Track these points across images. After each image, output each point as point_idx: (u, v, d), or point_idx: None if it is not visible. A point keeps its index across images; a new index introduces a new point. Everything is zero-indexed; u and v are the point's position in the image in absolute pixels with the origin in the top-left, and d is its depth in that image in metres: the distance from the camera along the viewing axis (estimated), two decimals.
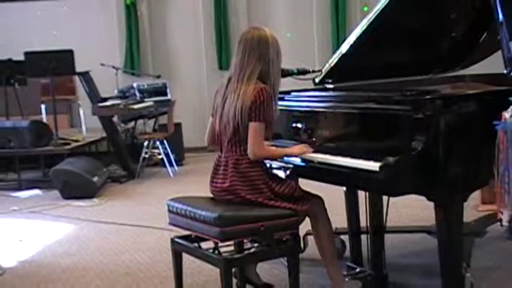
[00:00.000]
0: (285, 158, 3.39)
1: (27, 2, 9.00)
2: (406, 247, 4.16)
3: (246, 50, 3.23)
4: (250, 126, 3.15)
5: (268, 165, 3.37)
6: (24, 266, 4.39)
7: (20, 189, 7.04)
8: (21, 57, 7.36)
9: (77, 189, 6.44)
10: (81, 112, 8.65)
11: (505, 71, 3.17)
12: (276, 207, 3.15)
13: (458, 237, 2.93)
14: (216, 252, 3.14)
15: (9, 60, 7.57)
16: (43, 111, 8.36)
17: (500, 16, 3.23)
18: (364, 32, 3.57)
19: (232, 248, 3.34)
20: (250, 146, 3.16)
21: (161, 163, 7.70)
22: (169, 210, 3.39)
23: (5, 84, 7.48)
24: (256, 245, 3.29)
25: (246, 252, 3.29)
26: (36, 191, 6.94)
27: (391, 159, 2.75)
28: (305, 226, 3.37)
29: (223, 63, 8.83)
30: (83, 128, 8.56)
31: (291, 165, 3.40)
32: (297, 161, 3.32)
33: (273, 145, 3.41)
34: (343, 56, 3.69)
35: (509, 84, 3.12)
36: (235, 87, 3.21)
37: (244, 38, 3.27)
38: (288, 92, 3.71)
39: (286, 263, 3.20)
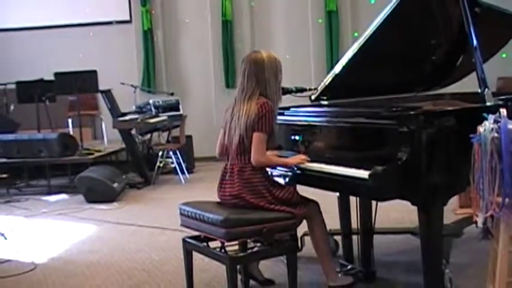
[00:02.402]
0: (284, 166, 3.39)
1: (58, 29, 9.04)
2: (393, 246, 4.14)
3: (246, 73, 3.25)
4: (254, 136, 3.15)
5: (269, 172, 3.36)
6: (53, 261, 4.38)
7: (49, 193, 7.04)
8: (51, 77, 7.40)
9: (99, 194, 6.44)
10: (103, 125, 8.65)
11: (479, 90, 3.19)
12: (276, 210, 3.15)
13: (439, 237, 2.93)
14: (223, 251, 3.13)
15: (41, 80, 7.60)
16: (70, 124, 8.37)
17: (475, 42, 3.25)
18: (355, 55, 3.58)
19: (237, 247, 3.33)
20: (253, 153, 3.16)
21: (174, 171, 7.68)
22: (181, 213, 3.39)
23: (37, 101, 7.50)
24: (258, 244, 3.28)
25: (250, 251, 3.28)
26: (63, 196, 6.94)
27: (379, 168, 2.75)
28: (302, 227, 3.36)
29: (229, 82, 8.84)
30: (105, 139, 8.57)
31: (290, 173, 3.40)
32: (295, 169, 3.32)
33: (277, 155, 3.41)
34: (337, 75, 3.69)
35: (483, 101, 3.13)
36: (240, 107, 3.22)
37: (244, 62, 3.29)
38: (287, 108, 3.72)
39: (285, 261, 3.19)
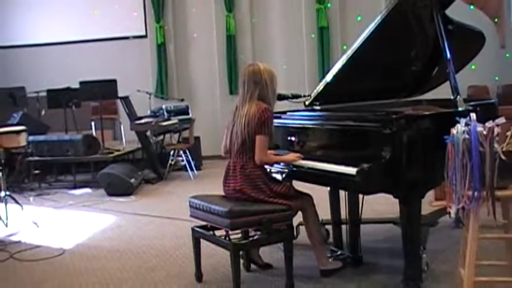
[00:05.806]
0: (281, 164, 3.39)
1: (83, 43, 9.06)
2: (377, 235, 4.14)
3: (246, 80, 3.25)
4: (257, 139, 3.15)
5: (268, 169, 3.36)
6: (78, 247, 4.39)
7: (74, 188, 7.04)
8: (77, 86, 7.40)
9: (118, 188, 6.44)
10: (122, 128, 8.65)
11: (452, 97, 3.19)
12: (274, 203, 3.15)
13: (417, 226, 2.93)
14: (227, 238, 3.14)
15: (68, 88, 7.60)
16: (93, 127, 8.37)
17: (448, 55, 3.26)
18: (344, 65, 3.59)
19: (239, 235, 3.33)
20: (257, 154, 3.16)
21: (184, 168, 7.68)
22: (190, 205, 3.39)
23: (65, 106, 7.51)
24: (258, 233, 3.28)
25: (251, 239, 3.28)
26: (87, 190, 6.94)
27: (365, 165, 2.75)
28: (298, 218, 3.36)
29: (233, 89, 8.84)
30: (123, 140, 8.55)
31: (286, 170, 3.40)
32: (291, 166, 3.31)
33: (275, 154, 3.41)
34: (328, 83, 3.70)
35: (455, 107, 3.14)
36: (241, 110, 3.22)
37: (243, 74, 3.29)
38: (284, 112, 3.72)
39: (282, 248, 3.19)
